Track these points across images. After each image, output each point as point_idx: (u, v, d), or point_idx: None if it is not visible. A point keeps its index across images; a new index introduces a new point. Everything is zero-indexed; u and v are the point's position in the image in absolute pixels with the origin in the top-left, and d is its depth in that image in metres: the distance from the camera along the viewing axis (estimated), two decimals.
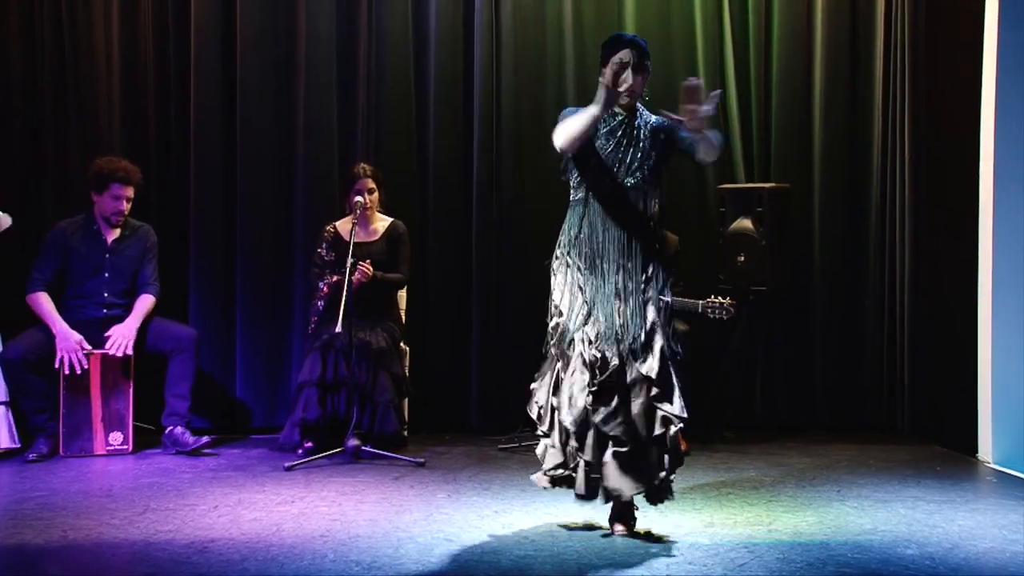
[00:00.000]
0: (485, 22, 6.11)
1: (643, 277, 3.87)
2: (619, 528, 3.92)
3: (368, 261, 5.41)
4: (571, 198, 3.98)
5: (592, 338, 3.80)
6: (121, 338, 5.30)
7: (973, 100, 5.42)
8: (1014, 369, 5.24)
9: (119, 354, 5.28)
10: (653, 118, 3.98)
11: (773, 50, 6.31)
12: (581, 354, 3.80)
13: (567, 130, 3.81)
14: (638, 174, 3.90)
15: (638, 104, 3.97)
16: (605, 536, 3.92)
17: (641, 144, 3.92)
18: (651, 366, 3.77)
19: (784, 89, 6.29)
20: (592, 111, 3.73)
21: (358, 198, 5.45)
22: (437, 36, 6.13)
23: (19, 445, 5.30)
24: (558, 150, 3.89)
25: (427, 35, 6.15)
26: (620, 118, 3.93)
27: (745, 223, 5.82)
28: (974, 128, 5.40)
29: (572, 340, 3.83)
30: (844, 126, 6.31)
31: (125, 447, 5.34)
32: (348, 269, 5.14)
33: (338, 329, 4.97)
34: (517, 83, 6.15)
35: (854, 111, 6.31)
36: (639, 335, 3.79)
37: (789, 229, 5.92)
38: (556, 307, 3.91)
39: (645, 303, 3.85)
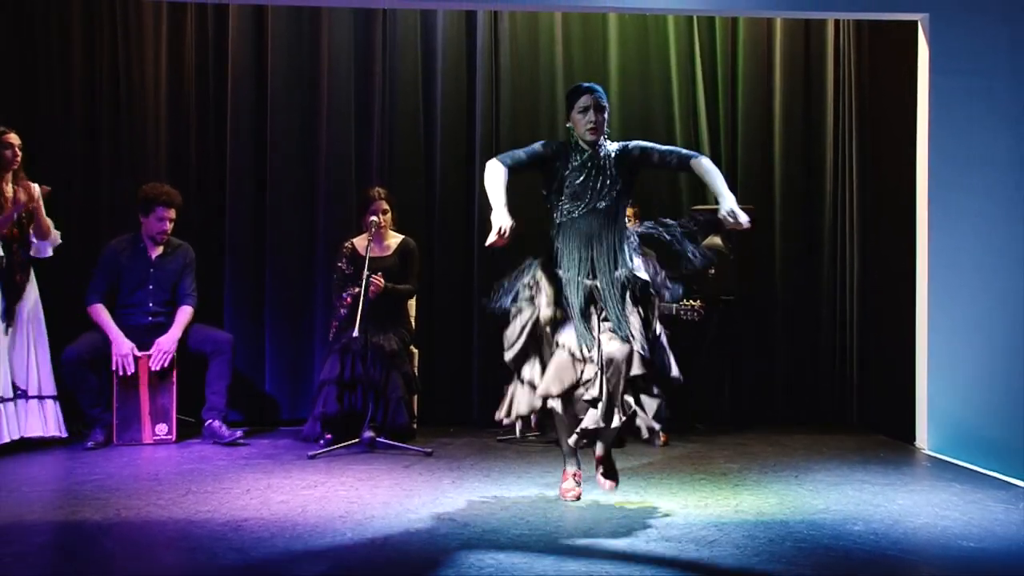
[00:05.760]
0: (485, 62, 6.16)
1: (618, 283, 3.93)
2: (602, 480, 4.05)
3: (381, 274, 5.42)
4: (552, 223, 4.07)
5: (569, 345, 3.89)
6: (162, 354, 5.34)
7: (910, 136, 5.49)
8: (946, 370, 5.32)
9: (159, 367, 5.34)
10: (615, 146, 4.05)
11: (738, 89, 6.36)
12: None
13: (487, 183, 4.02)
14: (608, 197, 3.97)
15: (601, 139, 4.02)
16: (589, 507, 3.97)
17: (608, 171, 3.99)
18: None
19: (748, 124, 6.35)
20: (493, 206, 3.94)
21: (373, 218, 5.45)
22: (443, 75, 6.18)
23: (67, 435, 5.32)
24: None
25: (434, 75, 6.19)
26: (587, 154, 4.00)
27: (715, 240, 5.83)
28: (912, 161, 5.47)
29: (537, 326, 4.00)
30: (800, 156, 6.36)
31: (170, 437, 5.37)
32: (364, 282, 5.17)
33: (356, 334, 4.98)
34: (514, 115, 6.19)
35: (808, 143, 6.37)
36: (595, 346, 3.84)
37: (753, 246, 5.96)
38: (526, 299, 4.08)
39: (617, 313, 3.89)
